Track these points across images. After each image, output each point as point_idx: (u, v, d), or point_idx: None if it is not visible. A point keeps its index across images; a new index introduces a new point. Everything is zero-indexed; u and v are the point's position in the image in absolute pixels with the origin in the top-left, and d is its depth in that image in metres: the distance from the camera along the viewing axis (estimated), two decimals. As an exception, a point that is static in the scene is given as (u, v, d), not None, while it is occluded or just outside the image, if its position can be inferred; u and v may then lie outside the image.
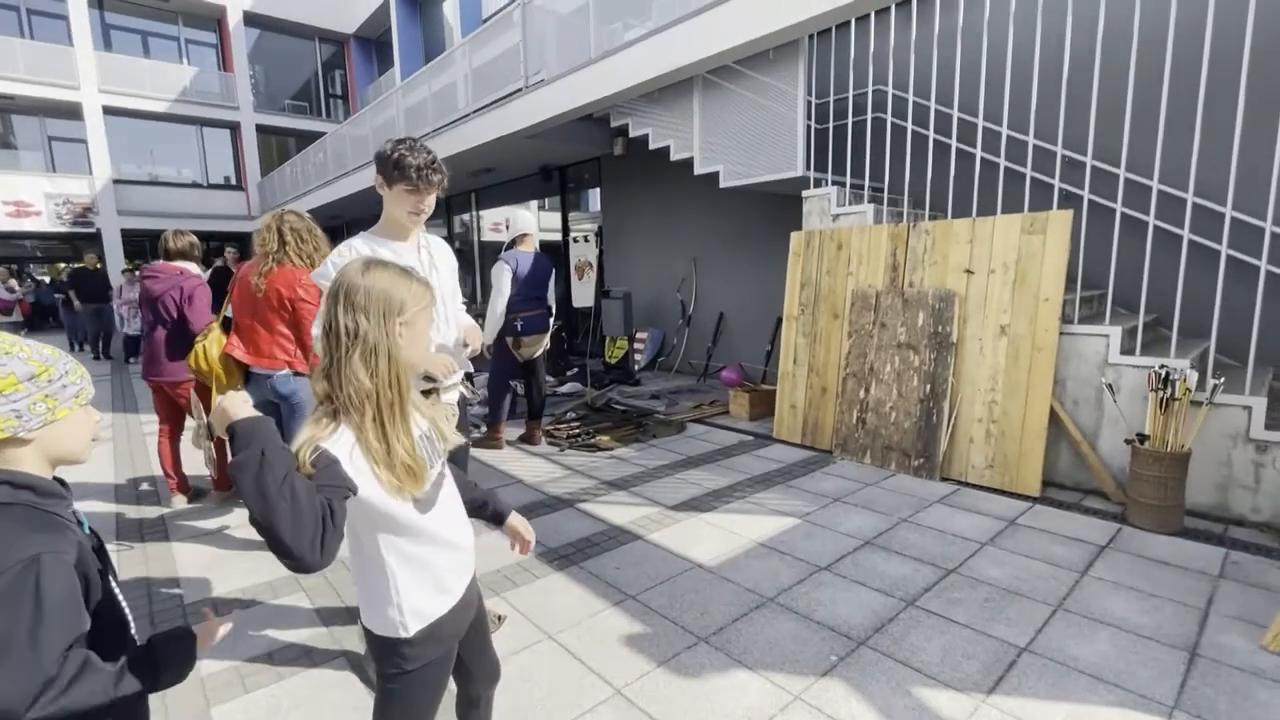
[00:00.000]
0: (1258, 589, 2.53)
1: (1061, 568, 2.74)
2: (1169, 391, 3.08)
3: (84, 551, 0.98)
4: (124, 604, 1.07)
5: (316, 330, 1.71)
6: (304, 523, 0.93)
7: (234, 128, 18.42)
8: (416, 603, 1.18)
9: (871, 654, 2.15)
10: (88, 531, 1.04)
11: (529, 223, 4.75)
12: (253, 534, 3.26)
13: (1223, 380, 3.11)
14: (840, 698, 1.94)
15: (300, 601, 2.57)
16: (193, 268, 3.63)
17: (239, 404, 1.02)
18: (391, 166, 1.85)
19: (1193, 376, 3.11)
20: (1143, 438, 3.17)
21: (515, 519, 1.51)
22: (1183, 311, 3.49)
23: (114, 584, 1.06)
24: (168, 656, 1.01)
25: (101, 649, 0.94)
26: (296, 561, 0.94)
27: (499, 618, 2.39)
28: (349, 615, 2.43)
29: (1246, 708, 1.87)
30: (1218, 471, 3.20)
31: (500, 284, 4.50)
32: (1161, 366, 3.18)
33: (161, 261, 3.63)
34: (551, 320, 4.83)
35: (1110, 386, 3.41)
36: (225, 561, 2.96)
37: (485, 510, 1.46)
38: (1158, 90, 3.59)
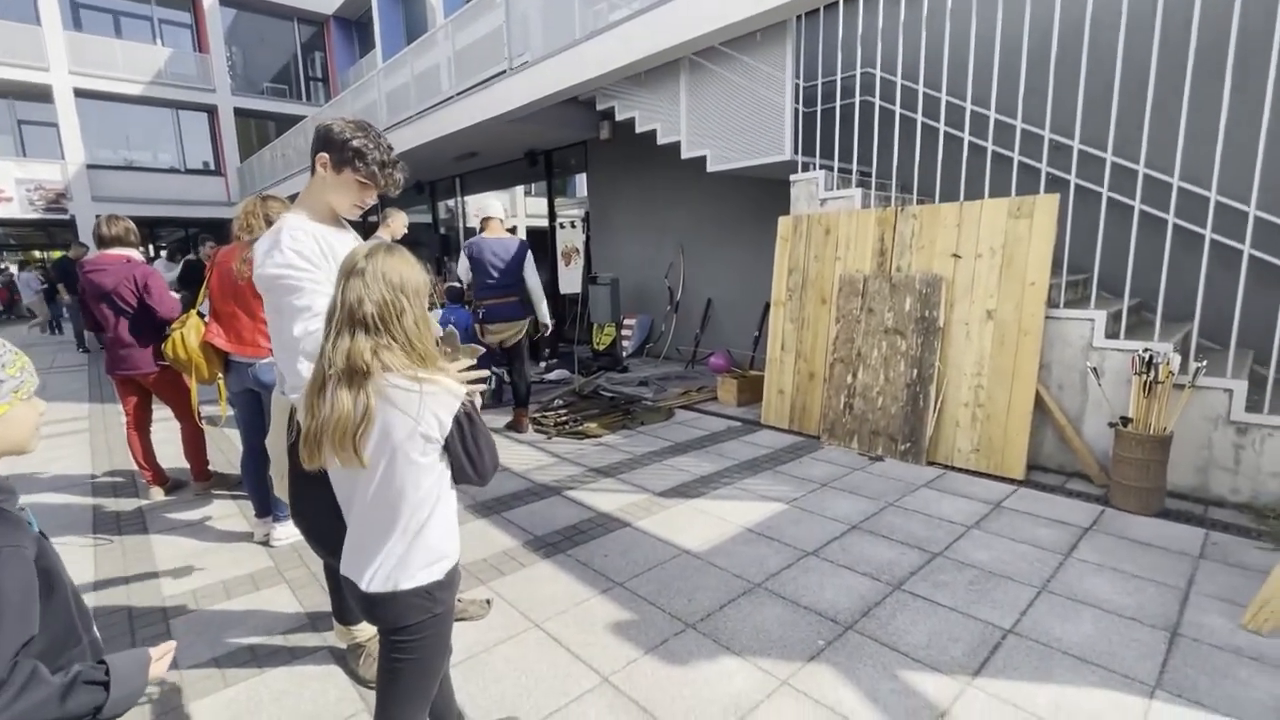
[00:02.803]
0: (1237, 569, 2.56)
1: (1046, 550, 2.76)
2: (1152, 375, 3.10)
3: (43, 546, 0.94)
4: (78, 608, 1.03)
5: (301, 301, 1.63)
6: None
7: (211, 111, 17.99)
8: (453, 546, 1.31)
9: (858, 638, 2.16)
10: (36, 530, 0.99)
11: (492, 206, 4.63)
12: (235, 525, 3.22)
13: (1205, 363, 3.13)
14: (827, 682, 1.95)
15: (283, 594, 2.53)
16: (135, 254, 3.45)
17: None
18: (350, 153, 1.73)
19: (1175, 360, 3.13)
20: (1126, 421, 3.20)
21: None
22: (1166, 295, 3.51)
23: (68, 586, 1.02)
24: (121, 674, 0.98)
25: (50, 656, 0.90)
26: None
27: (486, 602, 2.38)
28: (329, 605, 2.40)
29: (1226, 685, 1.90)
30: (1198, 454, 3.23)
31: (457, 271, 4.49)
32: (1145, 350, 3.20)
33: (99, 252, 3.40)
34: (544, 312, 4.70)
35: (1095, 370, 3.43)
36: (206, 554, 2.91)
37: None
38: (1145, 74, 3.59)
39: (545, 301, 4.77)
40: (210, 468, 3.78)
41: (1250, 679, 1.92)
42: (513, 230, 4.73)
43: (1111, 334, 3.51)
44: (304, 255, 1.68)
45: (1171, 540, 2.83)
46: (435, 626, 1.28)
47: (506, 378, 5.07)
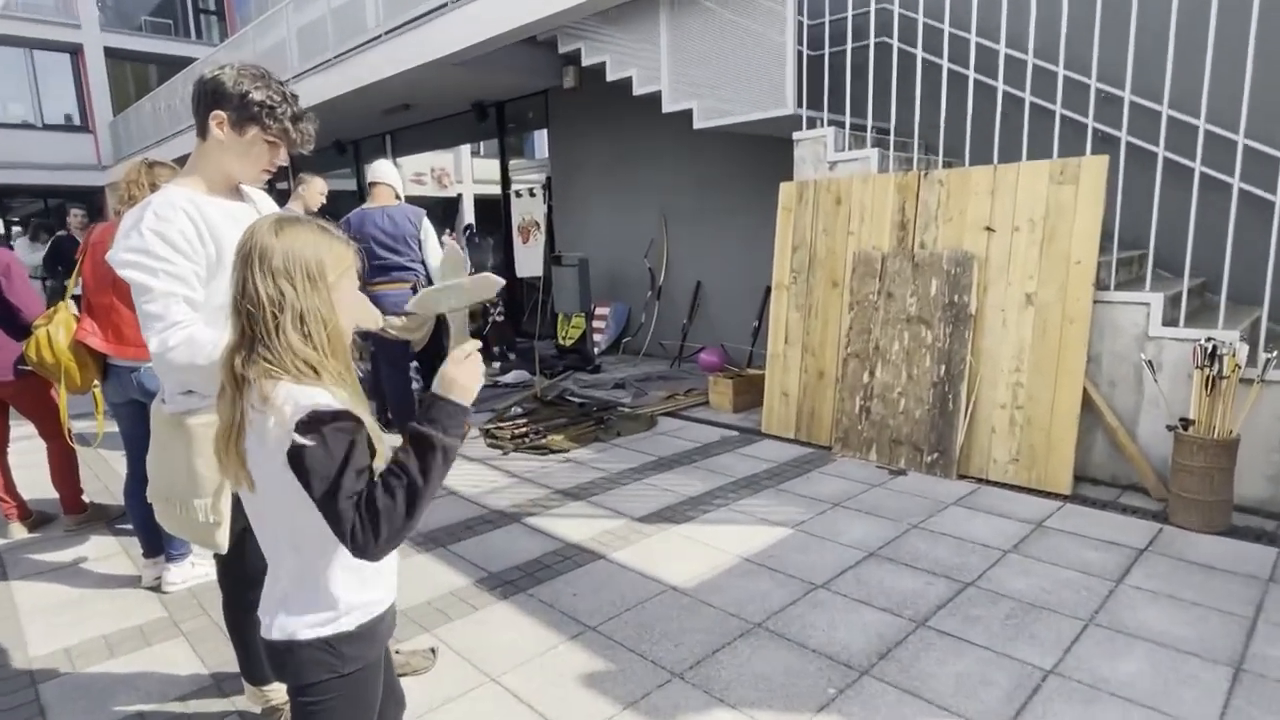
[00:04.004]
0: (1311, 593, 2.69)
1: (1094, 576, 2.87)
2: (1216, 368, 3.23)
3: None
4: None
5: (153, 307, 1.64)
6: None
7: (75, 51, 17.59)
8: (363, 596, 1.26)
9: (876, 684, 2.23)
10: None
11: (382, 170, 4.56)
12: (118, 567, 3.20)
13: (1276, 354, 3.27)
14: (839, 737, 2.01)
15: (179, 650, 2.53)
16: None
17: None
18: (254, 108, 1.73)
19: (1243, 350, 3.26)
20: (1186, 423, 3.32)
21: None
22: (1232, 274, 3.64)
23: None
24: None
25: None
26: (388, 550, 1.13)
27: (431, 651, 2.40)
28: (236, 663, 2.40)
29: (1295, 728, 2.01)
30: (1270, 460, 3.38)
31: None
32: (1208, 339, 3.32)
33: None
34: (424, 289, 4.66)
35: (1150, 364, 3.56)
36: (83, 604, 2.88)
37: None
38: (1206, 10, 3.71)
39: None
40: (85, 497, 3.74)
41: (1323, 719, 2.03)
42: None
43: (1170, 321, 3.64)
44: (168, 241, 1.67)
45: (1238, 561, 2.96)
46: (345, 689, 1.25)
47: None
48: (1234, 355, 3.21)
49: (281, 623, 1.24)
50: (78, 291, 3.09)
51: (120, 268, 1.68)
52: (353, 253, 1.28)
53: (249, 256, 1.17)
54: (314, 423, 1.10)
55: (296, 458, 1.10)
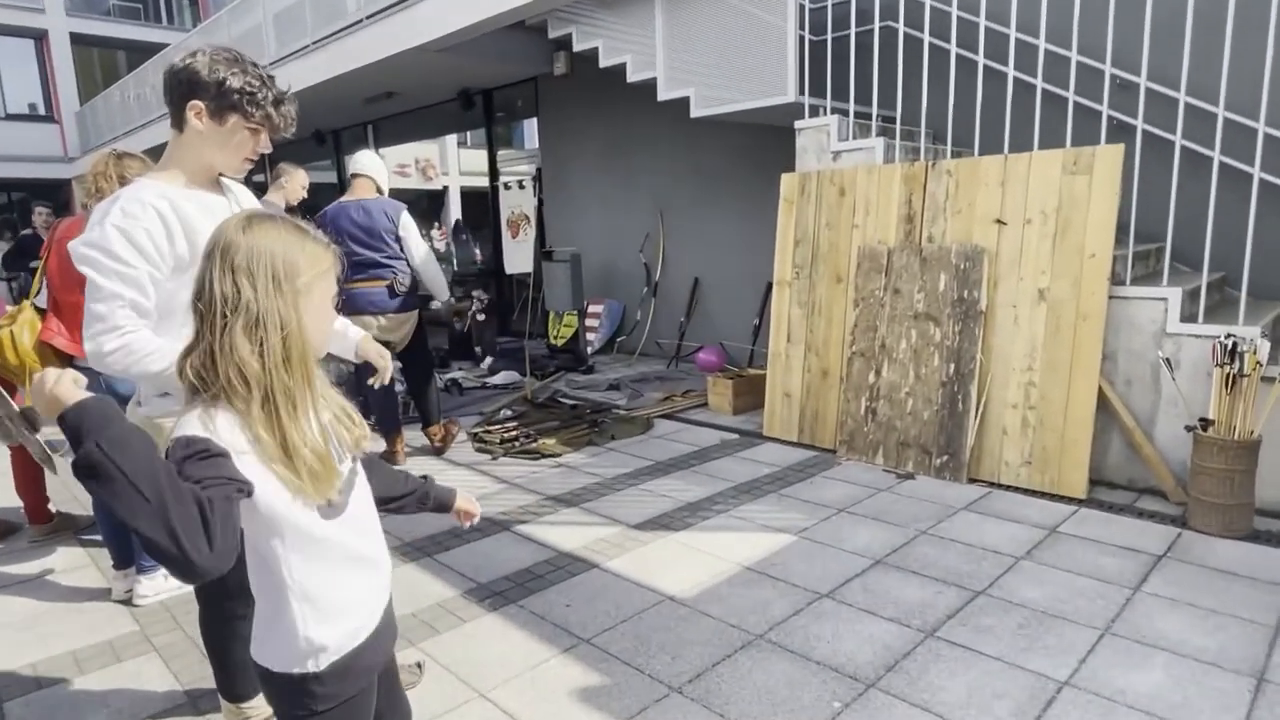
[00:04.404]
0: (1336, 600, 2.71)
1: (1110, 583, 2.88)
2: (1236, 366, 3.25)
3: None
4: None
5: (98, 308, 1.64)
6: (188, 515, 0.94)
7: (40, 37, 17.53)
8: (328, 632, 1.22)
9: (883, 697, 2.24)
10: None
11: (363, 162, 4.53)
12: (86, 579, 3.20)
13: (1299, 351, 3.29)
14: (845, 753, 2.02)
15: (152, 666, 2.52)
16: None
17: (68, 385, 1.01)
18: (234, 95, 1.73)
19: (1264, 347, 3.28)
20: (1206, 423, 3.34)
21: (462, 499, 1.65)
22: (1253, 268, 3.66)
23: None
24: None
25: None
26: (186, 567, 0.94)
27: (417, 666, 2.40)
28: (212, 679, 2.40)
29: (1320, 740, 2.02)
30: (1293, 461, 3.39)
31: None
32: (1228, 336, 3.34)
33: None
34: (431, 287, 4.64)
35: (1168, 361, 3.58)
36: (49, 618, 2.87)
37: (426, 503, 1.58)
38: (1225, -5, 3.73)
39: (443, 275, 4.75)
40: (52, 506, 3.73)
41: (1348, 731, 2.05)
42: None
43: (1188, 316, 3.66)
44: (131, 240, 1.67)
45: (1260, 568, 2.98)
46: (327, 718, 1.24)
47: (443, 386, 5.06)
48: (1255, 352, 3.23)
49: (256, 649, 1.24)
50: (40, 299, 3.08)
51: (77, 261, 1.69)
52: (332, 256, 1.24)
53: (212, 252, 1.15)
54: (175, 449, 1.06)
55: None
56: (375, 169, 4.55)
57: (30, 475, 3.60)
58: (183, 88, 1.75)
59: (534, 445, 4.79)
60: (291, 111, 1.86)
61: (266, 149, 1.87)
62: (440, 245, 12.78)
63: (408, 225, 4.50)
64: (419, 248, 4.55)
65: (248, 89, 1.75)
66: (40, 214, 7.33)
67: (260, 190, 4.84)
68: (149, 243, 1.69)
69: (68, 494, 4.23)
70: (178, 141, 1.82)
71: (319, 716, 1.23)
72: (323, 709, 1.22)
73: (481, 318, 7.85)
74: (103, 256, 1.66)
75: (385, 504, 1.46)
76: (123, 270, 1.67)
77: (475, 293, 8.16)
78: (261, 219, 1.20)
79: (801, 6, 4.94)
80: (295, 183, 4.67)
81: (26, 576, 3.25)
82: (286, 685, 1.21)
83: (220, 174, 1.92)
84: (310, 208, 5.28)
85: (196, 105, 1.75)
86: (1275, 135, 3.94)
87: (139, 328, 1.69)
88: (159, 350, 1.68)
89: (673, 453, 4.68)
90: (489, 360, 7.41)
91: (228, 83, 1.74)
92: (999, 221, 3.99)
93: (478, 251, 11.49)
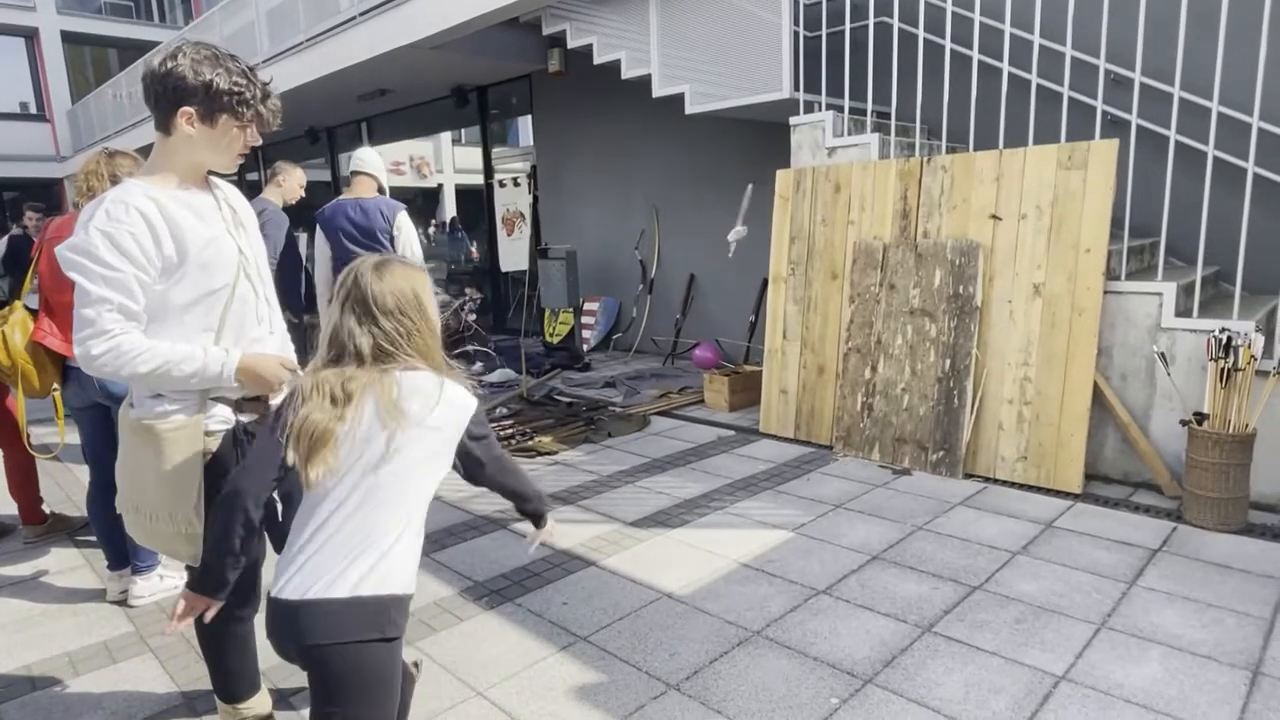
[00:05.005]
0: (1330, 592, 2.72)
1: (1106, 578, 2.89)
2: (1231, 360, 3.26)
3: None
4: None
5: (87, 312, 1.67)
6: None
7: (30, 35, 17.42)
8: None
9: (880, 693, 2.24)
10: None
11: (364, 159, 4.43)
12: (81, 580, 3.18)
13: (1293, 345, 3.30)
14: (842, 749, 2.02)
15: (148, 667, 2.51)
16: None
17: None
18: (223, 98, 1.72)
19: (1258, 341, 3.29)
20: (1201, 417, 3.35)
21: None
22: (1247, 262, 3.67)
23: None
24: None
25: None
26: None
27: (415, 665, 2.39)
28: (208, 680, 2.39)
29: (1315, 732, 2.03)
30: (1287, 455, 3.40)
31: (310, 252, 4.31)
32: (1222, 330, 3.35)
33: None
34: None
35: (1163, 356, 3.58)
36: (44, 619, 2.86)
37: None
38: (1218, -11, 3.73)
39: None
40: (45, 508, 3.71)
41: (1343, 723, 2.06)
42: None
43: (1183, 311, 3.67)
44: (116, 244, 1.65)
45: (1255, 561, 2.99)
46: (398, 645, 1.48)
47: None
48: (1249, 346, 3.24)
49: (407, 580, 1.49)
50: (32, 300, 3.06)
51: (64, 266, 1.68)
52: None
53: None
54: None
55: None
56: (377, 167, 4.51)
57: (24, 477, 3.57)
58: (173, 94, 1.72)
59: (530, 443, 4.78)
60: (277, 104, 1.86)
61: (256, 142, 1.86)
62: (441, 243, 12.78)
63: (402, 225, 4.43)
64: (414, 248, 4.52)
65: (236, 89, 1.74)
66: (32, 217, 7.28)
67: (255, 189, 4.83)
68: (134, 246, 1.67)
69: (62, 495, 4.22)
70: (167, 145, 1.80)
71: (398, 639, 1.49)
72: (394, 635, 1.48)
73: (473, 316, 7.83)
74: (88, 261, 1.65)
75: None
76: (108, 274, 1.65)
77: (468, 290, 8.13)
78: (393, 263, 1.56)
79: (796, 2, 4.94)
80: (293, 181, 4.64)
81: (21, 578, 3.23)
82: (387, 607, 1.45)
83: (209, 172, 1.90)
84: (305, 205, 5.24)
85: (187, 112, 1.73)
86: (1269, 130, 3.95)
87: (128, 330, 1.68)
88: (149, 351, 1.67)
89: (669, 450, 4.68)
90: (477, 364, 7.35)
91: (216, 84, 1.72)
92: (994, 217, 4.00)
93: (473, 249, 11.48)
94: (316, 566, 1.41)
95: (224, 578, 1.48)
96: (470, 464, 1.64)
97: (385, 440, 1.42)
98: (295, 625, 1.40)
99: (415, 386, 1.45)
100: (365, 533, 1.43)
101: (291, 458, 1.40)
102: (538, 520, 1.93)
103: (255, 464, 1.48)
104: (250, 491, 1.45)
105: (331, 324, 1.50)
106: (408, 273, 1.54)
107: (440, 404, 1.46)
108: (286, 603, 1.41)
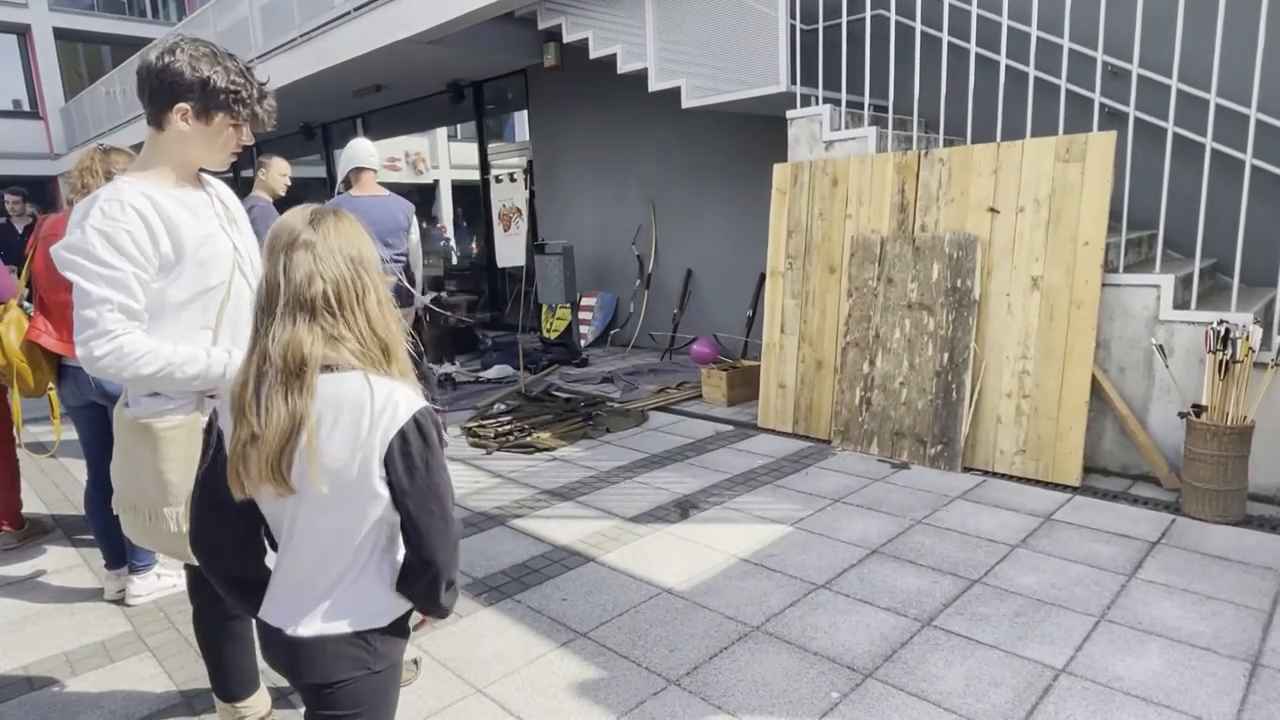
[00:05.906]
0: (1329, 584, 2.73)
1: (1105, 570, 2.89)
2: (1229, 352, 3.26)
3: None
4: None
5: (87, 313, 1.63)
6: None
7: (22, 32, 17.33)
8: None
9: (880, 687, 2.24)
10: None
11: (365, 153, 4.42)
12: (78, 579, 3.17)
13: (1291, 337, 3.30)
14: (843, 743, 2.02)
15: (146, 666, 2.51)
16: None
17: None
18: (220, 95, 1.72)
19: (1256, 333, 3.29)
20: (1199, 410, 3.35)
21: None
22: (1245, 254, 3.66)
23: None
24: None
25: None
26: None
27: (414, 663, 2.40)
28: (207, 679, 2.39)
29: (1314, 723, 2.03)
30: (1285, 447, 3.41)
31: None
32: (1220, 322, 3.35)
33: None
34: (417, 291, 4.61)
35: (1161, 348, 3.58)
36: (41, 619, 2.85)
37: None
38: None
39: (420, 269, 4.76)
40: (24, 511, 3.66)
41: (1342, 714, 2.06)
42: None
43: (1181, 303, 3.66)
44: (113, 243, 1.64)
45: (1253, 553, 2.99)
46: (372, 688, 1.32)
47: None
48: (1247, 339, 3.24)
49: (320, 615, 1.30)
50: (27, 293, 3.05)
51: (60, 267, 1.67)
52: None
53: (326, 243, 1.25)
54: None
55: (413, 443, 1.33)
56: (377, 162, 4.52)
57: (6, 479, 3.55)
58: (168, 89, 1.71)
59: (528, 439, 4.78)
60: (272, 104, 1.86)
61: (249, 141, 1.86)
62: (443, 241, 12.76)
63: (415, 227, 4.52)
64: (418, 252, 4.57)
65: (233, 88, 1.73)
66: (12, 201, 6.90)
67: (248, 186, 4.81)
68: (131, 244, 1.66)
69: (59, 494, 4.21)
70: (160, 141, 1.79)
71: (376, 678, 1.35)
72: (379, 667, 1.36)
73: (468, 320, 7.81)
74: (86, 261, 1.63)
75: None
76: (108, 274, 1.64)
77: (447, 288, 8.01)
78: (342, 215, 1.32)
79: (793, -5, 4.92)
80: (274, 172, 4.62)
81: (17, 578, 3.22)
82: (380, 634, 1.33)
83: (201, 169, 1.89)
84: (296, 200, 5.22)
85: (184, 108, 1.72)
86: (1267, 121, 3.95)
87: (130, 330, 1.66)
88: (152, 352, 1.65)
89: (667, 445, 4.68)
90: (478, 360, 7.30)
91: (213, 82, 1.71)
92: (992, 210, 3.99)
93: (473, 245, 11.47)
94: (287, 592, 1.33)
95: None
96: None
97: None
98: (280, 654, 1.33)
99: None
100: (323, 560, 1.30)
101: None
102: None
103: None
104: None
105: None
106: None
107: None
108: (269, 626, 1.33)
